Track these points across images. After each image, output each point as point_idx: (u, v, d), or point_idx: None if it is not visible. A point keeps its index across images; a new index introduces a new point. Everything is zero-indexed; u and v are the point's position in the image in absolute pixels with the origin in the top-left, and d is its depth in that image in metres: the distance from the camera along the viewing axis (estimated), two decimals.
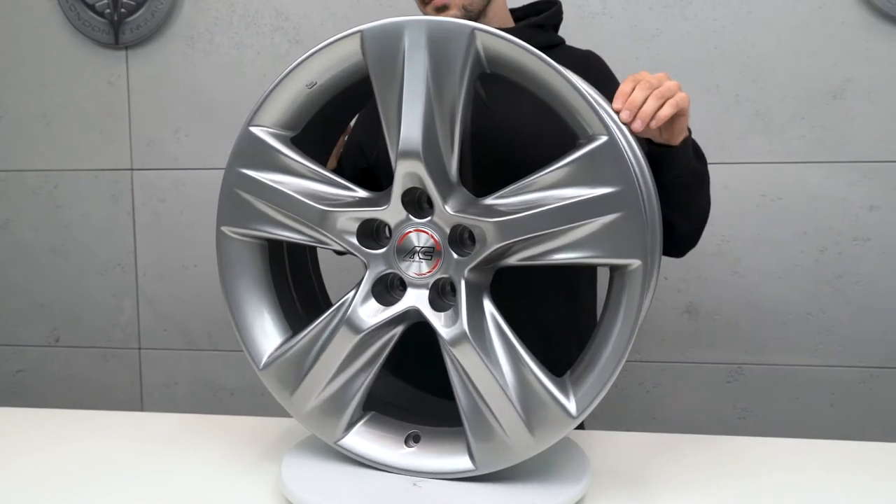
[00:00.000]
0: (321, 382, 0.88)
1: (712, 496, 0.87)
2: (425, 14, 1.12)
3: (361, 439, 0.89)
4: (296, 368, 0.89)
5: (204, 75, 1.84)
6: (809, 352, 1.72)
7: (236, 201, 0.90)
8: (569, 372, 0.85)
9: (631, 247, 0.76)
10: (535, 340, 0.88)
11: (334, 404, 0.88)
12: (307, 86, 0.86)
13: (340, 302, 0.87)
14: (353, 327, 0.85)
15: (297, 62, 0.85)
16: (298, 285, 0.99)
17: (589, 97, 0.78)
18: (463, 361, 0.82)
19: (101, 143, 1.90)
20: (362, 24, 0.83)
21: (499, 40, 0.80)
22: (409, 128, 0.81)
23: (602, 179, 0.77)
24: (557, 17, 1.21)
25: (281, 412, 0.96)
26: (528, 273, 1.08)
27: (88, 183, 1.92)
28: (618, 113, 0.83)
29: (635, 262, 0.77)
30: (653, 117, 0.83)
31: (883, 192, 1.66)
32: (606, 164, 0.77)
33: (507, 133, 1.07)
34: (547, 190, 0.80)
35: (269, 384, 0.91)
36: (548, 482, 0.86)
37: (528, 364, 0.82)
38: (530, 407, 0.82)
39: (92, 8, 1.83)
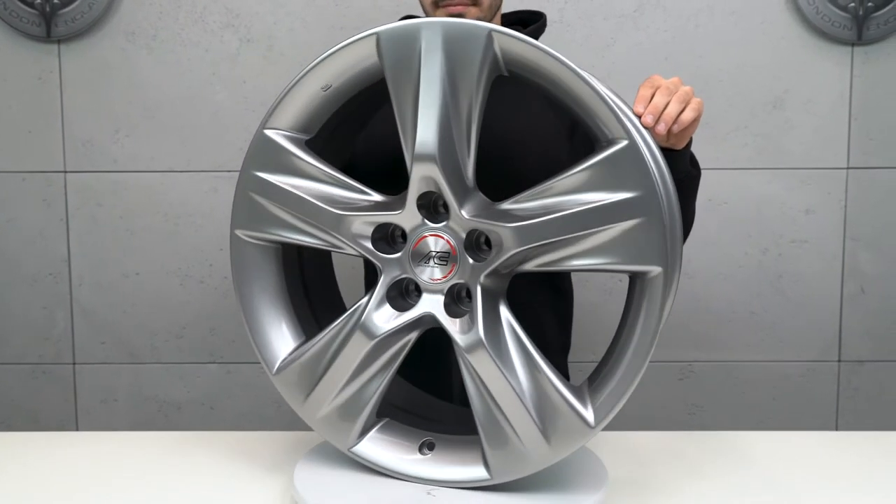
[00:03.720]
0: (335, 388, 0.86)
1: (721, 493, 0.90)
2: (428, 15, 1.10)
3: (375, 446, 0.88)
4: (309, 373, 0.88)
5: (146, 73, 1.74)
6: (753, 348, 1.81)
7: (251, 205, 0.89)
8: (586, 380, 0.85)
9: (651, 253, 0.75)
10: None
11: (348, 410, 0.87)
12: (322, 89, 0.84)
13: (354, 307, 0.86)
14: (368, 333, 0.84)
15: (311, 64, 0.84)
16: (313, 290, 0.98)
17: (609, 100, 0.78)
18: (479, 368, 0.81)
19: (31, 143, 1.76)
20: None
21: (517, 42, 0.79)
22: (425, 131, 0.80)
23: (622, 184, 0.76)
24: (543, 30, 1.22)
25: (237, 425, 0.95)
26: None
27: (16, 186, 1.77)
28: (639, 117, 0.81)
29: (655, 269, 0.76)
30: (675, 121, 0.85)
31: (818, 197, 1.77)
32: (627, 168, 0.76)
33: (497, 139, 1.07)
34: (565, 195, 0.79)
35: (283, 389, 0.90)
36: (565, 492, 0.86)
37: (544, 371, 0.82)
38: (547, 415, 0.80)
39: None
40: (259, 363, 1.79)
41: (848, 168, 1.76)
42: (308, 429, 0.95)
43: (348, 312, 0.86)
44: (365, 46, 0.82)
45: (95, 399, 1.83)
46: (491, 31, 0.78)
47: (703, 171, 1.77)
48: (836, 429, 1.81)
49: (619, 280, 1.78)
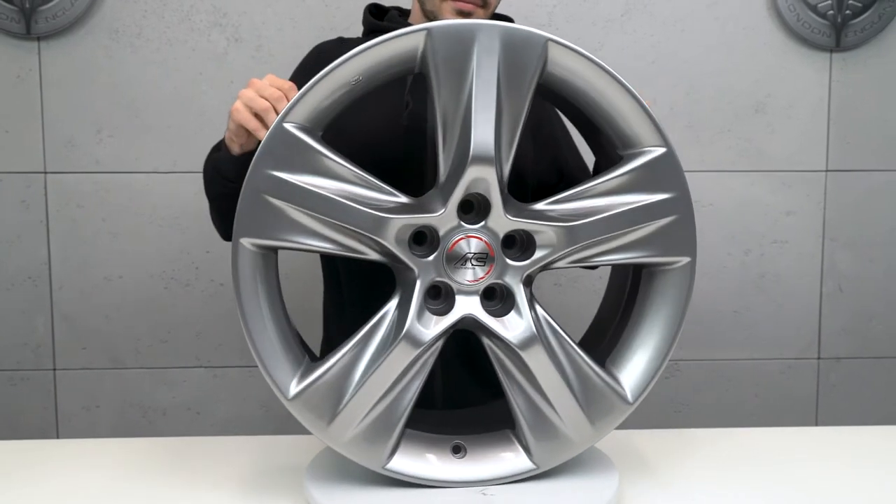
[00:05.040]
0: (368, 405, 0.82)
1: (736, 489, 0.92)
2: (436, 12, 1.10)
3: (409, 460, 0.85)
4: (333, 395, 0.82)
5: (131, 72, 1.71)
6: (737, 347, 1.85)
7: (263, 209, 0.80)
8: (607, 362, 0.89)
9: (684, 245, 0.86)
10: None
11: (380, 427, 0.83)
12: (353, 80, 0.80)
13: (381, 315, 0.83)
14: (414, 341, 0.81)
15: (351, 54, 0.79)
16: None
17: (651, 113, 0.84)
18: (531, 363, 0.82)
19: (9, 142, 1.71)
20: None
21: (569, 53, 0.82)
22: (483, 133, 0.80)
23: (660, 186, 0.84)
24: None
25: (225, 430, 0.92)
26: None
27: None
28: None
29: (685, 259, 0.86)
30: None
31: (798, 199, 1.82)
32: (665, 172, 0.85)
33: None
34: (602, 197, 0.84)
35: (301, 415, 0.83)
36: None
37: (583, 357, 0.86)
38: (591, 399, 0.85)
39: None
40: (246, 367, 1.79)
41: (827, 171, 1.82)
42: (299, 432, 0.92)
43: (374, 322, 0.83)
44: (412, 41, 0.79)
45: (77, 406, 1.79)
46: (548, 40, 0.82)
47: (689, 174, 1.82)
48: (816, 424, 1.87)
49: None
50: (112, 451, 1.04)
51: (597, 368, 0.85)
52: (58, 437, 1.77)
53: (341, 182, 0.81)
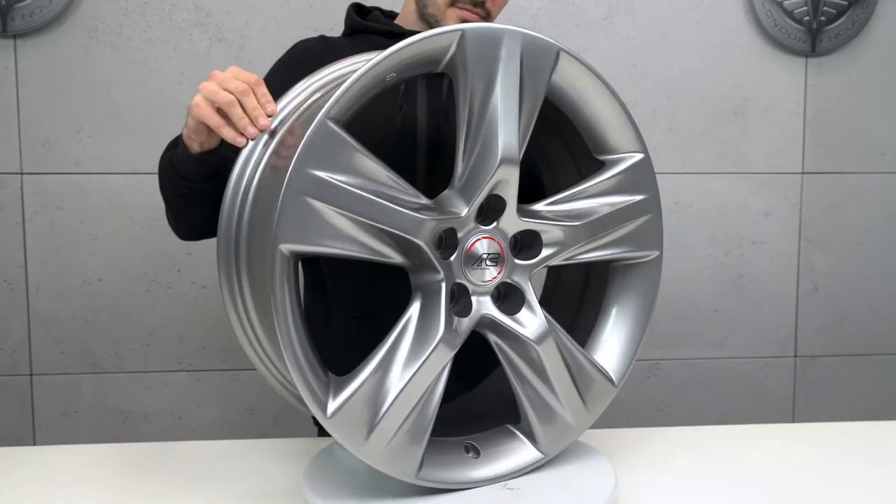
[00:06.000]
0: (403, 415, 0.79)
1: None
2: (438, 17, 1.10)
3: (435, 466, 0.83)
4: (369, 408, 0.78)
5: (111, 71, 1.68)
6: (716, 346, 1.89)
7: (305, 212, 0.72)
8: (585, 349, 0.92)
9: (654, 240, 0.92)
10: None
11: (412, 436, 0.81)
12: (388, 77, 0.78)
13: (405, 322, 0.80)
14: (450, 344, 0.80)
15: (394, 49, 0.76)
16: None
17: (633, 120, 0.89)
18: (545, 356, 0.84)
19: None
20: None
21: (575, 63, 0.85)
22: (510, 136, 0.81)
23: (639, 189, 0.90)
24: None
25: (207, 435, 0.90)
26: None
27: None
28: None
29: (655, 253, 0.93)
30: None
31: (775, 201, 1.86)
32: (643, 175, 0.91)
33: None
34: (594, 198, 0.89)
35: (339, 433, 0.78)
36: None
37: (576, 346, 0.89)
38: (585, 384, 0.89)
39: None
40: (230, 370, 1.77)
41: (803, 173, 1.86)
42: (283, 435, 0.90)
43: (399, 330, 0.80)
44: (445, 40, 0.78)
45: (54, 411, 1.75)
46: (560, 49, 0.83)
47: (670, 176, 1.85)
48: (793, 420, 1.91)
49: None
50: (92, 457, 1.00)
51: (589, 356, 0.89)
52: (34, 444, 1.74)
53: (375, 183, 0.77)
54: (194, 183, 0.96)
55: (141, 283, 1.73)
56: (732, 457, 1.01)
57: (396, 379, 0.79)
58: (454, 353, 0.81)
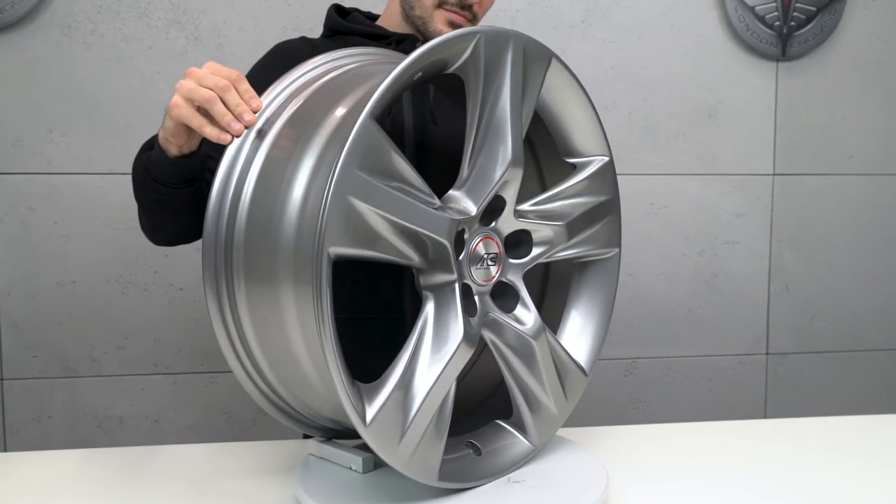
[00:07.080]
0: (428, 417, 0.77)
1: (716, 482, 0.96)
2: (426, 19, 1.11)
3: (448, 467, 0.82)
4: (400, 413, 0.76)
5: (84, 69, 1.65)
6: (691, 344, 1.92)
7: (351, 214, 0.69)
8: None
9: (615, 238, 0.97)
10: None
11: (433, 439, 0.79)
12: (416, 76, 0.76)
13: (422, 323, 0.79)
14: (472, 341, 0.80)
15: (425, 48, 0.74)
16: None
17: (602, 124, 0.93)
18: (539, 351, 0.86)
19: None
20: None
21: (562, 70, 0.87)
22: (517, 138, 0.82)
23: (604, 189, 0.95)
24: None
25: (185, 438, 0.89)
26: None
27: None
28: None
29: (615, 250, 0.98)
30: None
31: (748, 202, 1.90)
32: (608, 177, 0.96)
33: (448, 151, 1.09)
34: (570, 198, 0.92)
35: (375, 441, 0.74)
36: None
37: (557, 340, 0.91)
38: (564, 375, 0.92)
39: None
40: (207, 373, 1.75)
41: (774, 175, 1.90)
42: (261, 438, 0.88)
43: (419, 331, 0.78)
44: (465, 42, 0.78)
45: (26, 417, 1.71)
46: (552, 56, 0.85)
47: (646, 177, 1.88)
48: (765, 416, 1.95)
49: None
50: (66, 463, 0.96)
51: (566, 347, 0.92)
52: (5, 451, 1.70)
53: (408, 185, 0.75)
54: (173, 188, 0.91)
55: (116, 285, 1.71)
56: (706, 453, 1.03)
57: (422, 382, 0.77)
58: (473, 350, 0.81)
